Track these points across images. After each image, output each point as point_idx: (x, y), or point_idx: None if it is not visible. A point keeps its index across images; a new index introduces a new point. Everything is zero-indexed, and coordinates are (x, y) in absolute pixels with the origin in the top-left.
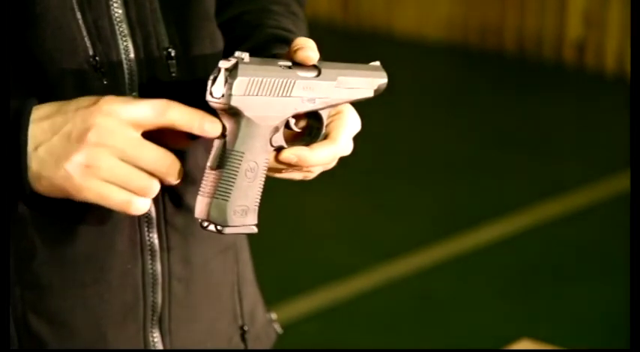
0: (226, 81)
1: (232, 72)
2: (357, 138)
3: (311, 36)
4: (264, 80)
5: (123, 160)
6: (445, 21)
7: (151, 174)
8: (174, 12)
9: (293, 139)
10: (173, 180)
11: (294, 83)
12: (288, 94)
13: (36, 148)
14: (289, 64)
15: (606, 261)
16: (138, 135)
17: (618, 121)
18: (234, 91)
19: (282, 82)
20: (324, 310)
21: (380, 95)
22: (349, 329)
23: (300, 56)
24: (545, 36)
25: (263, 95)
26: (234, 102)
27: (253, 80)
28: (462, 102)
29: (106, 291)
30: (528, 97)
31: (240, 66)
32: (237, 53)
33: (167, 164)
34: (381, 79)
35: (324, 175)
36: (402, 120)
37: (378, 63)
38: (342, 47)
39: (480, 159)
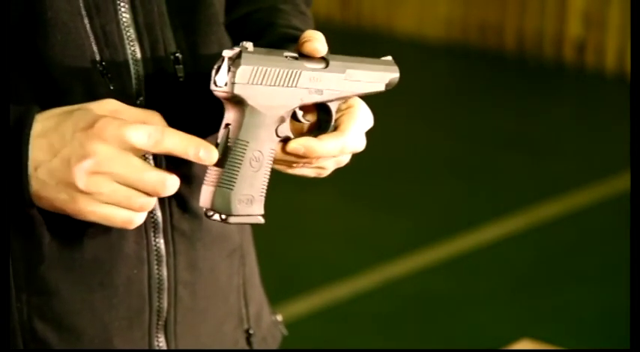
0: (229, 69)
1: (236, 60)
2: None
3: None
4: (269, 70)
5: (123, 184)
6: (445, 20)
7: (151, 192)
8: (182, 17)
9: (302, 133)
10: (171, 193)
11: (300, 74)
12: (293, 85)
13: (36, 169)
14: (296, 55)
15: (606, 261)
16: (137, 159)
17: (618, 121)
18: (237, 80)
19: (288, 72)
20: (324, 310)
21: (379, 94)
22: (349, 329)
23: (308, 48)
24: (546, 36)
25: (267, 85)
26: (237, 91)
27: (257, 69)
28: (461, 102)
29: (113, 296)
30: (528, 97)
31: (244, 55)
32: (242, 43)
33: (167, 183)
34: (392, 74)
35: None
36: (402, 120)
37: (389, 57)
38: (342, 47)
39: (480, 158)
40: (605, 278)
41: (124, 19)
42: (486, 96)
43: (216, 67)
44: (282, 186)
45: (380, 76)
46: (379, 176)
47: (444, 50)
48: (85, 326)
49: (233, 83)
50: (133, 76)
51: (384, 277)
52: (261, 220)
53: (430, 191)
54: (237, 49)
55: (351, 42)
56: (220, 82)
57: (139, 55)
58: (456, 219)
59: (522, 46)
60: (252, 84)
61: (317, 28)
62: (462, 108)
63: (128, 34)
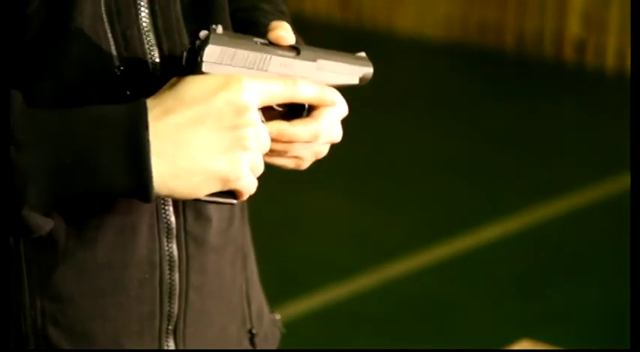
0: (198, 49)
1: (204, 41)
2: (356, 138)
3: (308, 35)
4: (238, 51)
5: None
6: (445, 19)
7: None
8: (197, 22)
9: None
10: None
11: (271, 59)
12: (264, 69)
13: (179, 146)
14: (266, 41)
15: (606, 261)
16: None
17: (618, 121)
18: (205, 58)
19: (258, 56)
20: (324, 310)
21: (380, 94)
22: (349, 329)
23: (274, 35)
24: (545, 35)
25: (237, 66)
26: (205, 69)
27: (226, 50)
28: (461, 102)
29: (125, 301)
30: (528, 97)
31: (212, 35)
32: (212, 26)
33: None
34: (366, 68)
35: (323, 175)
36: (402, 120)
37: (363, 53)
38: (342, 47)
39: (480, 158)
40: (605, 278)
41: (145, 24)
42: (486, 95)
43: (186, 48)
44: (282, 186)
45: (352, 68)
46: (379, 176)
47: (444, 50)
48: (97, 332)
49: (201, 61)
50: (152, 81)
51: (384, 277)
52: (234, 201)
53: (430, 191)
54: (206, 32)
55: (351, 42)
56: (189, 62)
57: (157, 60)
58: (455, 219)
59: (522, 46)
60: (221, 63)
61: (317, 28)
62: (461, 107)
63: (148, 38)
